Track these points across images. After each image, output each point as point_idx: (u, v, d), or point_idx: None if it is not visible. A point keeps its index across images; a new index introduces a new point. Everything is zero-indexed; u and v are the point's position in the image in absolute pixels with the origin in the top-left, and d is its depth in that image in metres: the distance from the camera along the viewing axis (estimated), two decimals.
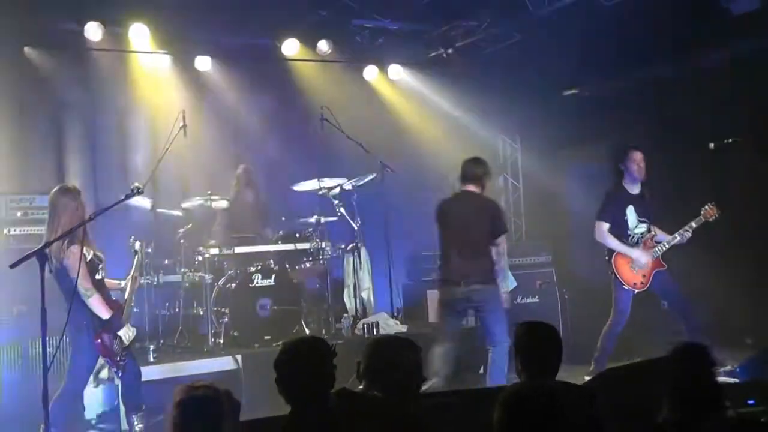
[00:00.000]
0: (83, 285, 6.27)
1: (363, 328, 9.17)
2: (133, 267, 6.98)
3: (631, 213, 8.29)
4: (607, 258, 8.34)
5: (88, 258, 6.45)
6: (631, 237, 8.31)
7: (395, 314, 9.77)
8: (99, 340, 6.45)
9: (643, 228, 8.32)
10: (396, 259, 10.10)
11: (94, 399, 7.90)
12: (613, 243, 8.27)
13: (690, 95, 9.69)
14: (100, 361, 6.69)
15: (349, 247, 9.75)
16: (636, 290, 8.27)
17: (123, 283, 6.90)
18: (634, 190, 8.34)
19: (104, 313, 6.45)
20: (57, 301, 6.32)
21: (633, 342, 8.39)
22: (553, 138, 11.68)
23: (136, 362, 6.90)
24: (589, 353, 8.33)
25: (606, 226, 8.28)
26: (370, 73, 11.75)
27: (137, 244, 7.17)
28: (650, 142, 9.05)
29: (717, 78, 9.41)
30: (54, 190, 6.66)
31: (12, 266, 5.42)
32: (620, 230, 8.29)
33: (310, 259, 9.51)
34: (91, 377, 6.90)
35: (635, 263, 8.23)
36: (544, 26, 10.07)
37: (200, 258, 9.03)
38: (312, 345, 4.06)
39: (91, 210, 6.56)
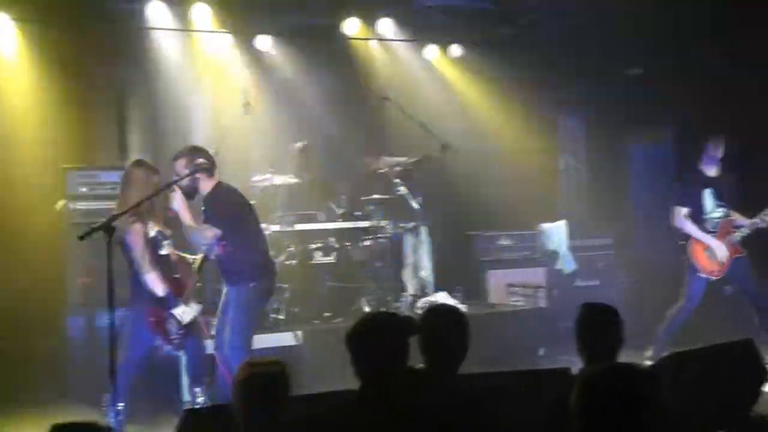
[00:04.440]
0: (141, 262, 6.34)
1: (423, 307, 9.17)
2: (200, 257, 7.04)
3: (708, 196, 8.12)
4: (683, 242, 8.16)
5: (152, 234, 6.53)
6: (707, 221, 8.14)
7: (455, 294, 9.75)
8: (152, 317, 6.52)
9: (720, 212, 8.14)
10: (456, 239, 10.08)
11: (157, 370, 8.03)
12: (691, 229, 8.09)
13: (759, 75, 9.47)
14: None
15: (409, 227, 9.74)
16: (713, 278, 8.12)
17: (194, 258, 6.97)
18: (711, 172, 8.16)
19: (159, 291, 6.49)
20: (123, 273, 6.43)
21: (690, 327, 8.26)
22: (617, 118, 11.54)
23: (200, 336, 6.97)
24: (648, 337, 8.25)
25: (684, 210, 8.10)
26: (431, 52, 11.69)
27: None
28: (719, 124, 8.86)
29: None
30: (128, 163, 6.77)
31: (81, 238, 5.51)
32: (696, 214, 8.11)
33: (370, 237, 9.52)
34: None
35: (712, 253, 8.08)
36: (609, 3, 9.91)
37: None
38: (390, 320, 4.04)
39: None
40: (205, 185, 6.76)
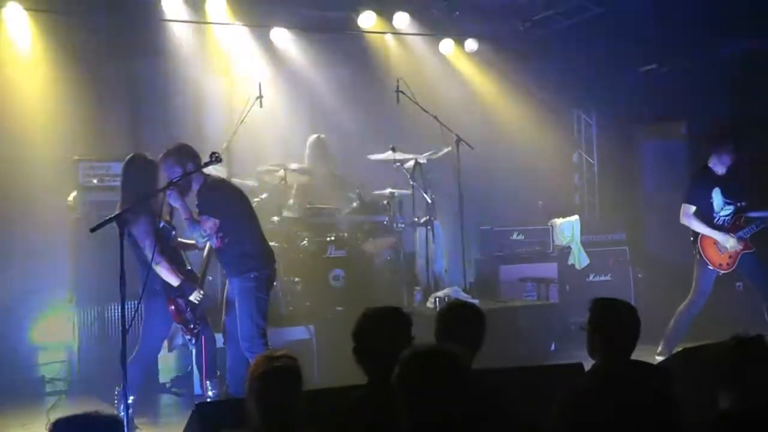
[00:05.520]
0: (149, 254, 6.34)
1: (435, 301, 9.16)
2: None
3: (717, 195, 8.17)
4: (692, 238, 8.22)
5: (159, 226, 6.57)
6: (717, 219, 8.18)
7: (467, 289, 9.73)
8: (172, 306, 6.57)
9: (729, 210, 8.19)
10: (469, 234, 10.07)
11: (168, 363, 8.07)
12: (698, 226, 8.16)
13: None
14: (175, 326, 6.81)
15: (422, 221, 9.72)
16: (722, 271, 8.17)
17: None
18: (721, 170, 8.19)
19: (174, 280, 6.55)
20: (134, 265, 6.45)
21: (702, 323, 8.24)
22: (630, 114, 11.51)
23: (211, 329, 7.00)
24: (660, 333, 8.24)
25: (692, 208, 8.17)
26: (447, 46, 11.66)
27: None
28: (730, 120, 8.85)
29: None
30: (126, 159, 6.79)
31: (92, 230, 5.55)
32: (706, 213, 8.18)
33: (384, 231, 9.51)
34: (166, 342, 7.04)
35: (720, 246, 8.10)
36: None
37: (274, 228, 9.10)
38: (392, 315, 4.05)
39: (165, 179, 6.64)
40: (196, 181, 6.79)
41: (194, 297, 6.65)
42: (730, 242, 8.10)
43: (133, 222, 6.33)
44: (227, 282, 7.10)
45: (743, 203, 8.20)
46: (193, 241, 6.93)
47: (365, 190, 9.61)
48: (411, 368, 3.23)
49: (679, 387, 4.27)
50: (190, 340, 6.74)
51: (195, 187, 6.80)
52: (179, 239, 6.96)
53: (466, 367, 3.41)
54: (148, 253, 6.31)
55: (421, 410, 3.16)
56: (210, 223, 6.68)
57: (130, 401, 6.20)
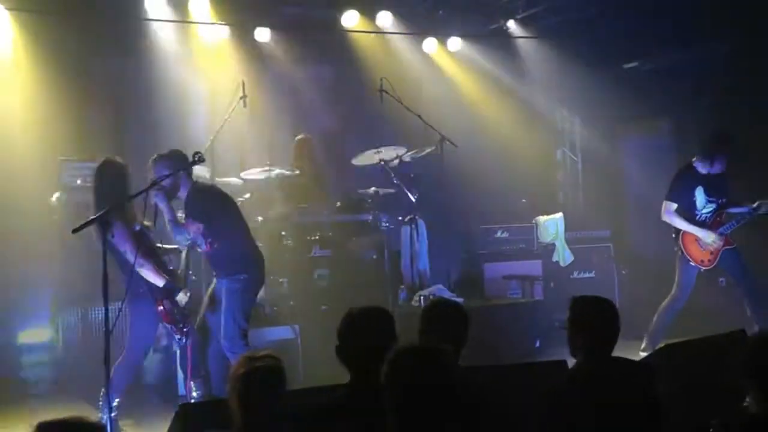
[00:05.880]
0: (134, 256, 6.27)
1: (419, 299, 9.18)
2: None
3: (700, 193, 8.20)
4: (674, 235, 8.27)
5: (137, 228, 6.51)
6: (699, 216, 8.22)
7: (451, 287, 9.75)
8: (161, 307, 6.52)
9: (711, 207, 8.22)
10: (453, 232, 10.09)
11: (152, 364, 8.04)
12: (680, 223, 8.21)
13: (756, 70, 9.48)
14: (160, 328, 6.79)
15: (406, 219, 9.73)
16: (703, 267, 8.21)
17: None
18: (704, 169, 8.21)
19: (160, 281, 6.50)
20: (117, 266, 6.43)
21: (685, 319, 8.29)
22: (613, 112, 11.54)
23: (195, 330, 6.97)
24: (644, 329, 8.30)
25: (673, 206, 8.22)
26: (430, 45, 11.67)
27: None
28: (712, 117, 8.90)
29: None
30: (98, 164, 6.74)
31: (75, 231, 5.52)
32: (689, 210, 8.22)
33: (368, 230, 9.51)
34: None
35: (702, 242, 8.15)
36: None
37: (258, 227, 9.09)
38: (376, 314, 4.05)
39: (139, 185, 6.59)
40: (184, 186, 6.78)
41: (180, 298, 6.62)
42: (711, 238, 8.14)
43: (110, 227, 6.28)
44: (215, 281, 7.11)
45: (725, 200, 8.23)
46: (175, 246, 6.92)
47: (350, 188, 9.60)
48: (400, 366, 3.22)
49: (661, 382, 4.29)
50: (179, 339, 6.69)
51: (183, 192, 6.80)
52: (160, 244, 6.91)
53: (453, 364, 3.42)
54: (130, 257, 6.27)
55: (409, 408, 3.14)
56: (194, 227, 6.71)
57: (115, 404, 6.20)
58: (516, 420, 4.15)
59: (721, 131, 8.34)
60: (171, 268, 6.82)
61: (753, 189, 8.31)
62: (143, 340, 6.76)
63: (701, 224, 8.19)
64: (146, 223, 6.67)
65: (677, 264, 8.29)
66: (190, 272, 7.35)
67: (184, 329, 6.63)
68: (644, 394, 4.12)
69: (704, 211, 8.22)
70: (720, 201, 8.22)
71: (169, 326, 6.62)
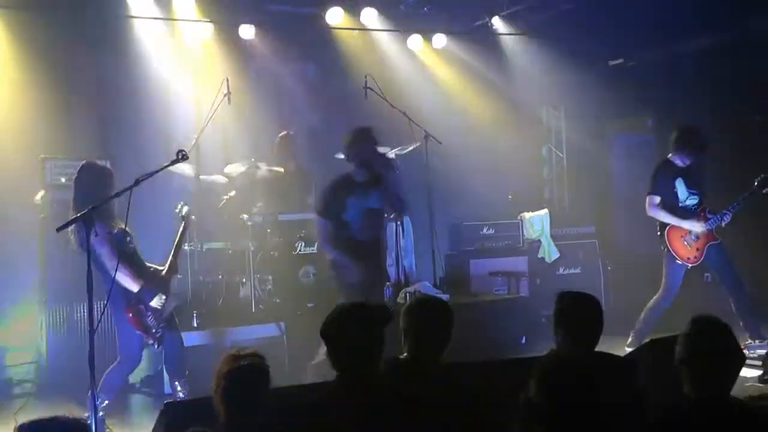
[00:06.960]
0: (108, 261, 6.23)
1: (405, 296, 9.16)
2: (179, 233, 7.00)
3: (680, 185, 8.23)
4: (659, 232, 8.29)
5: (114, 232, 6.40)
6: (683, 209, 8.24)
7: (437, 284, 9.75)
8: (130, 314, 6.40)
9: (694, 200, 8.26)
10: (439, 229, 10.08)
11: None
12: (665, 216, 8.23)
13: (738, 66, 9.53)
14: None
15: (391, 216, 9.72)
16: (690, 265, 8.23)
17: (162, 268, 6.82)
18: (683, 163, 8.25)
19: (133, 286, 6.42)
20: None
21: (671, 315, 8.29)
22: (598, 108, 11.57)
23: (178, 330, 6.92)
24: (630, 325, 8.31)
25: (657, 199, 8.25)
26: (415, 42, 11.66)
27: (185, 209, 7.17)
28: (696, 113, 8.93)
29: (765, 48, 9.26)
30: (79, 166, 6.66)
31: (59, 229, 5.49)
32: (671, 203, 8.24)
33: None
34: None
35: (689, 235, 8.16)
36: None
37: (243, 225, 9.07)
38: (363, 310, 4.04)
39: (123, 183, 6.52)
40: None
41: (156, 302, 6.53)
42: (698, 227, 8.15)
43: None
44: None
45: (703, 194, 8.26)
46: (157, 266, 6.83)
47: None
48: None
49: (644, 377, 4.31)
50: (152, 344, 6.61)
51: None
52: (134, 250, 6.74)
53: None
54: (106, 261, 6.21)
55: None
56: None
57: (105, 404, 6.17)
58: (502, 416, 4.15)
59: (688, 125, 8.35)
60: (152, 269, 6.70)
61: (733, 183, 8.33)
62: (132, 347, 6.60)
63: (686, 214, 8.21)
64: (126, 228, 6.49)
65: (664, 263, 8.30)
66: (178, 275, 7.22)
67: (157, 334, 6.52)
68: (627, 389, 4.14)
69: (687, 202, 8.25)
70: (702, 194, 8.24)
71: (139, 333, 6.50)
